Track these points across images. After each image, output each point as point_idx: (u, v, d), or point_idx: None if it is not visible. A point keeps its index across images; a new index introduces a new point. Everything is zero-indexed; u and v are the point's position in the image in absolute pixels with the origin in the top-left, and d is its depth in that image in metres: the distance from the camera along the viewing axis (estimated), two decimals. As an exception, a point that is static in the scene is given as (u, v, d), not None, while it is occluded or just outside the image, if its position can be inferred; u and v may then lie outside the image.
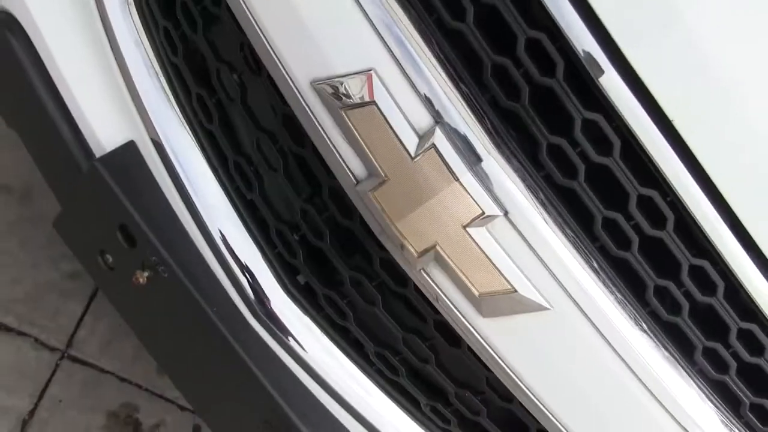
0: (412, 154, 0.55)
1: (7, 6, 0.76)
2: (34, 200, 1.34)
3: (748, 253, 0.56)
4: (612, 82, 0.53)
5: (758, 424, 0.62)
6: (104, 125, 0.73)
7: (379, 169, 0.56)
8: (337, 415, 0.73)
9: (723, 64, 0.52)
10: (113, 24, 0.70)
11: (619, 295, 0.58)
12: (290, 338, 0.71)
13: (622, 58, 0.52)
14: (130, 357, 1.34)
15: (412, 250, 0.58)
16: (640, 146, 0.53)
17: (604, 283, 0.57)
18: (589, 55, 0.52)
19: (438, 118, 0.54)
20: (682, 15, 0.51)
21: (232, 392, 0.74)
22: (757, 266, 0.55)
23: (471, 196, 0.55)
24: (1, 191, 1.32)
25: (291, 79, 0.58)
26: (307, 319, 0.71)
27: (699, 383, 0.60)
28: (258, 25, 0.57)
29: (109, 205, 0.70)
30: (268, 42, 0.58)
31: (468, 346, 0.64)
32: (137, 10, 0.70)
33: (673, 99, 0.52)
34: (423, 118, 0.55)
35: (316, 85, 0.56)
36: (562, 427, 0.63)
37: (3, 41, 0.75)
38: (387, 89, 0.55)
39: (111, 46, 0.72)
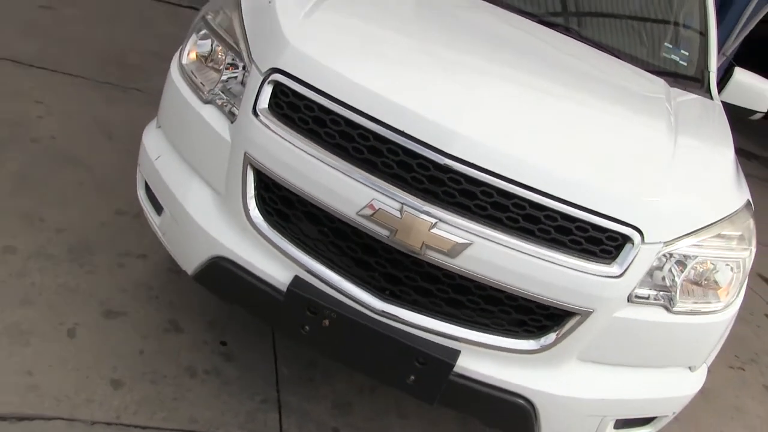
0: (400, 217, 1.59)
1: (218, 252, 1.82)
2: (223, 374, 2.33)
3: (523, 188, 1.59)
4: (452, 164, 1.58)
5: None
6: (282, 276, 1.76)
7: (393, 227, 1.60)
8: (432, 339, 1.71)
9: None
10: (269, 236, 1.76)
11: (494, 228, 1.60)
12: (395, 316, 1.70)
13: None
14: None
15: (419, 248, 1.60)
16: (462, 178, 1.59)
17: (486, 226, 1.60)
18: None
19: (402, 202, 1.59)
20: None
21: (383, 353, 1.72)
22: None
23: (426, 221, 1.59)
24: (211, 374, 2.30)
25: (349, 216, 1.63)
26: (396, 306, 1.71)
27: (537, 244, 1.61)
28: (327, 207, 1.64)
29: (300, 303, 1.72)
30: (334, 210, 1.64)
31: (459, 276, 1.65)
32: (277, 229, 1.77)
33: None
34: (397, 204, 1.60)
35: (358, 213, 1.62)
36: (508, 285, 1.63)
37: (226, 268, 1.80)
38: (381, 203, 1.60)
39: (271, 245, 1.77)
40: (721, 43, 7.78)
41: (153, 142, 2.08)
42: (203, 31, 2.01)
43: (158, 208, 2.05)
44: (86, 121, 3.51)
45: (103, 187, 3.02)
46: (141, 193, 2.16)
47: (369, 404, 2.41)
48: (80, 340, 2.26)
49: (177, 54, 2.09)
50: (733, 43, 7.69)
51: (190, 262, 1.92)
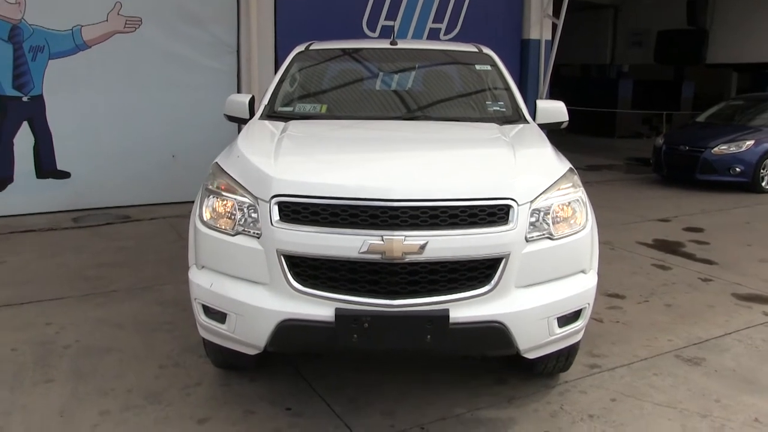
0: (383, 243, 2.84)
1: (281, 318, 2.94)
2: (298, 425, 3.35)
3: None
4: (399, 204, 2.87)
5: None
6: (327, 312, 2.91)
7: (382, 251, 2.84)
8: (430, 308, 2.91)
9: None
10: (310, 292, 2.93)
11: (437, 229, 2.88)
12: (403, 304, 2.90)
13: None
14: (378, 434, 3.32)
15: (400, 256, 2.85)
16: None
17: (432, 229, 2.88)
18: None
19: (381, 235, 2.85)
20: None
21: (405, 328, 2.90)
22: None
23: (399, 239, 2.85)
24: (294, 429, 3.32)
25: (354, 257, 2.86)
26: (401, 298, 2.91)
27: (464, 228, 2.91)
28: (339, 257, 2.86)
29: (346, 321, 2.88)
30: (344, 257, 2.86)
31: (429, 263, 2.89)
32: (312, 287, 2.94)
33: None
34: (379, 237, 2.85)
35: (359, 252, 2.84)
36: (458, 257, 2.89)
37: (290, 325, 2.93)
38: (370, 241, 2.85)
39: (314, 297, 2.93)
40: (536, 92, 9.94)
41: (201, 277, 3.21)
42: (210, 196, 3.23)
43: (222, 318, 3.14)
44: (92, 323, 4.53)
45: (139, 357, 4.02)
46: (202, 318, 3.24)
47: (413, 410, 3.50)
48: (193, 441, 3.23)
49: (195, 216, 3.29)
50: (544, 87, 9.85)
51: (262, 337, 3.01)
